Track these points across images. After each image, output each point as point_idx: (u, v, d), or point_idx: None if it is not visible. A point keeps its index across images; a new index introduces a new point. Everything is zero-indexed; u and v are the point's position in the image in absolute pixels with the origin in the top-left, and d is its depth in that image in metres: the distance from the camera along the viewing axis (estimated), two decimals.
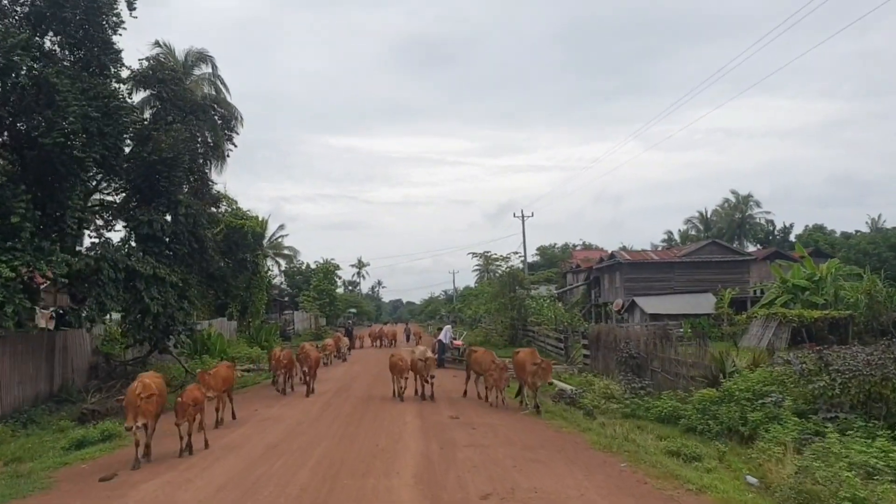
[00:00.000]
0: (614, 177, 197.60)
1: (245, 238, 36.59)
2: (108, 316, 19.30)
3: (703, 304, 41.25)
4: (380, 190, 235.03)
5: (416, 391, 17.11)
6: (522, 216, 56.86)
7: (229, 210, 37.66)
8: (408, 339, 46.38)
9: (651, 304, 40.69)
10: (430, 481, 8.06)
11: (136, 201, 19.50)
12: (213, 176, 43.73)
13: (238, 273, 37.98)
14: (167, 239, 18.63)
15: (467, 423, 12.63)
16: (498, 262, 39.55)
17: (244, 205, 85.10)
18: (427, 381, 16.44)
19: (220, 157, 42.39)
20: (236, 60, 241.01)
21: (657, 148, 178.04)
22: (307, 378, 18.21)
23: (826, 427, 10.56)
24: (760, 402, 12.04)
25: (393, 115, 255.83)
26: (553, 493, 7.34)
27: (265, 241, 78.32)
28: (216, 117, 23.24)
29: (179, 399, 10.18)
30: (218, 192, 38.93)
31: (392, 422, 13.05)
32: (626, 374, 19.17)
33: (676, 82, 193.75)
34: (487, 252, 39.13)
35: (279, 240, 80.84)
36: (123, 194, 20.29)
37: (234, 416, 14.08)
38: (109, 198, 20.98)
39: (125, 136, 17.88)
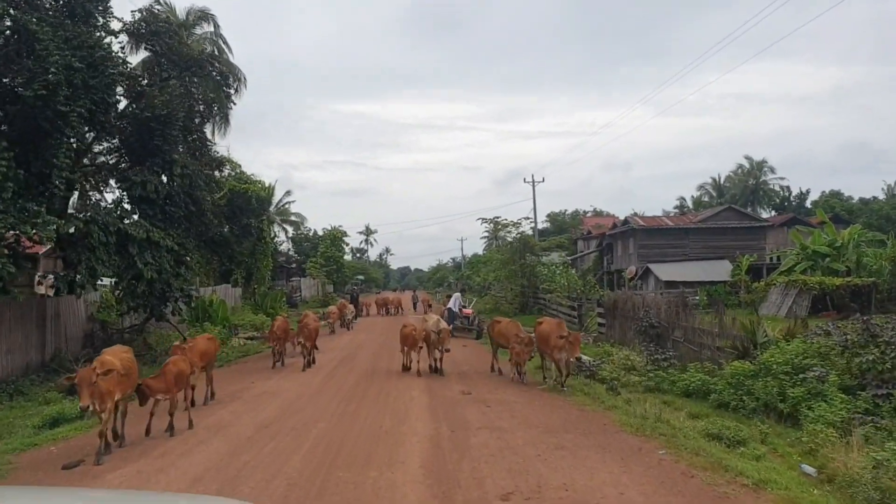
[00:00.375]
0: (624, 143, 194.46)
1: (249, 203, 35.64)
2: (100, 281, 18.39)
3: (719, 271, 40.09)
4: (389, 156, 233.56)
5: (430, 366, 15.81)
6: (533, 181, 55.55)
7: (233, 174, 36.64)
8: (415, 307, 45.20)
9: (666, 271, 39.56)
10: (440, 474, 7.07)
11: (129, 161, 18.45)
12: (216, 139, 42.70)
13: (242, 239, 37.11)
14: (162, 201, 17.59)
15: (480, 400, 11.66)
16: (508, 228, 38.37)
17: (254, 171, 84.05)
18: (440, 354, 15.50)
19: (223, 118, 41.49)
20: (244, 26, 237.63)
21: (668, 114, 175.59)
22: (305, 350, 17.16)
23: (880, 405, 9.56)
24: (801, 376, 11.00)
25: (402, 80, 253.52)
26: (586, 491, 6.31)
27: (272, 208, 77.83)
28: (216, 76, 21.92)
29: (154, 377, 9.19)
30: (221, 155, 38.18)
31: (398, 398, 12.08)
32: (647, 344, 18.22)
33: (689, 47, 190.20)
34: (497, 217, 38.05)
35: (286, 206, 79.87)
36: (116, 155, 19.21)
37: (212, 396, 12.69)
38: (102, 158, 19.91)
39: (114, 90, 16.71)
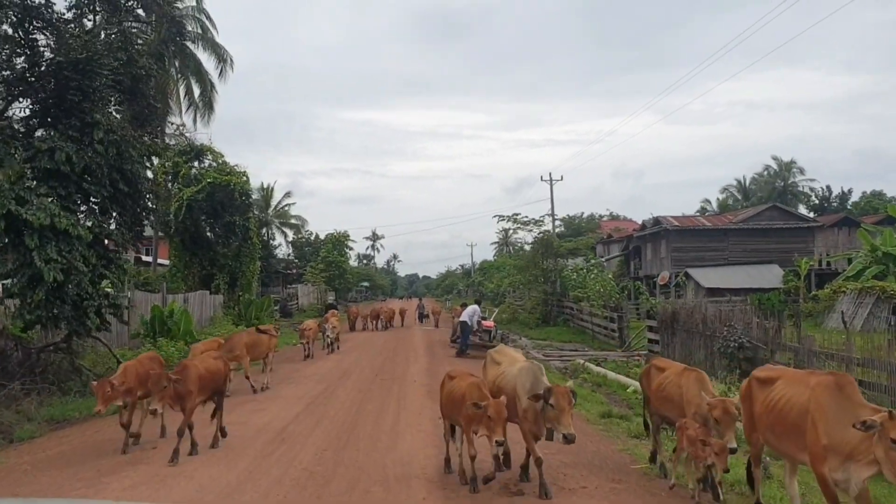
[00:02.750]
0: (633, 151, 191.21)
1: (232, 197, 31.09)
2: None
3: (768, 276, 35.29)
4: (396, 164, 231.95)
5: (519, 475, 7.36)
6: (551, 180, 50.73)
7: (214, 165, 32.14)
8: (422, 320, 37.21)
9: (708, 277, 34.76)
10: None
11: (39, 123, 13.88)
12: (199, 126, 38.36)
13: (226, 239, 32.60)
14: (77, 177, 12.97)
15: None
16: (529, 227, 33.63)
17: (268, 179, 79.52)
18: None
19: (206, 105, 37.02)
20: (251, 34, 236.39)
21: (678, 122, 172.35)
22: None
23: None
24: None
25: (409, 88, 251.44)
26: None
27: (270, 210, 73.50)
28: (168, 25, 17.32)
29: None
30: (202, 144, 33.76)
31: None
32: (733, 369, 13.53)
33: (697, 54, 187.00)
34: (517, 214, 33.18)
35: (286, 208, 75.36)
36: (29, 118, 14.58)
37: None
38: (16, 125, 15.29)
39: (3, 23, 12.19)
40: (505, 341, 19.88)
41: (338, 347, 21.96)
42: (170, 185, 31.56)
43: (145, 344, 18.49)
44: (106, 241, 14.11)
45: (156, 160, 19.75)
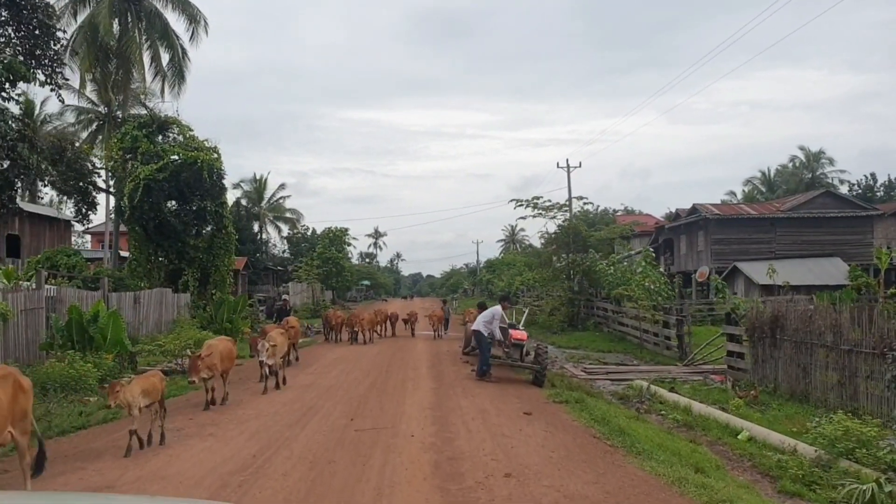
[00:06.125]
0: (637, 151, 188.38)
1: (200, 178, 26.01)
2: None
3: (831, 271, 30.25)
4: (398, 164, 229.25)
5: None
6: (568, 167, 45.87)
7: (180, 141, 27.18)
8: (443, 331, 25.07)
9: (761, 273, 29.60)
10: None
11: None
12: (167, 96, 33.45)
13: (197, 228, 27.67)
14: None
15: None
16: (552, 212, 28.36)
17: (266, 174, 74.62)
18: None
19: (177, 73, 32.03)
20: (253, 34, 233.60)
21: (681, 121, 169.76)
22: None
23: None
24: None
25: (411, 87, 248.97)
26: None
27: (264, 203, 68.52)
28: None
29: None
30: (167, 115, 28.85)
31: None
32: None
33: (700, 53, 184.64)
34: (537, 198, 27.86)
35: (280, 201, 70.30)
36: None
37: None
38: None
39: None
40: (542, 359, 13.28)
41: (282, 381, 12.58)
42: (128, 164, 26.67)
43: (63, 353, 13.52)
44: None
45: (23, 86, 14.18)
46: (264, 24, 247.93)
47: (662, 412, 11.26)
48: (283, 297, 32.71)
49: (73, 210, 28.29)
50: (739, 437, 9.47)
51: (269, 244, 70.42)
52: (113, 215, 30.63)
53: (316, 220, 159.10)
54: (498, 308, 14.23)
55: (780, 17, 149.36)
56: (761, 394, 12.54)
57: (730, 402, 11.28)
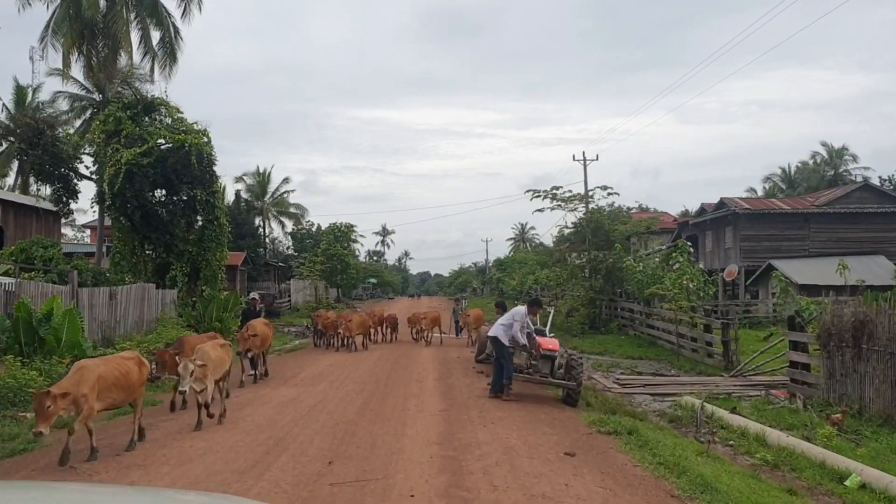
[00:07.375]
0: (647, 150, 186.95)
1: (188, 164, 23.73)
2: None
3: (876, 270, 27.79)
4: (407, 162, 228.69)
5: None
6: (584, 159, 43.56)
7: (167, 123, 24.99)
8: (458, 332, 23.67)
9: (800, 272, 27.14)
10: None
11: None
12: (157, 77, 31.33)
13: (187, 219, 25.46)
14: None
15: None
16: (573, 203, 25.95)
17: (274, 173, 72.62)
18: None
19: (168, 53, 29.89)
20: (260, 31, 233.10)
21: (691, 121, 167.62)
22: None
23: None
24: None
25: (419, 86, 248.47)
26: None
27: (267, 197, 66.31)
28: None
29: None
30: (153, 96, 26.67)
31: None
32: None
33: (709, 52, 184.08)
34: (556, 189, 25.35)
35: (283, 196, 67.97)
36: None
37: None
38: None
39: None
40: (576, 373, 10.97)
41: (221, 415, 8.84)
42: (110, 148, 24.46)
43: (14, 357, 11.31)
44: None
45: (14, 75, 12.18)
46: (273, 22, 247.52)
47: (730, 442, 8.93)
48: (252, 295, 29.45)
49: (51, 198, 26.31)
50: (848, 483, 7.15)
51: (273, 240, 68.21)
52: (97, 205, 28.53)
53: (323, 217, 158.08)
54: (521, 309, 11.72)
55: (789, 15, 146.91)
56: (833, 409, 10.25)
57: (816, 431, 8.93)
